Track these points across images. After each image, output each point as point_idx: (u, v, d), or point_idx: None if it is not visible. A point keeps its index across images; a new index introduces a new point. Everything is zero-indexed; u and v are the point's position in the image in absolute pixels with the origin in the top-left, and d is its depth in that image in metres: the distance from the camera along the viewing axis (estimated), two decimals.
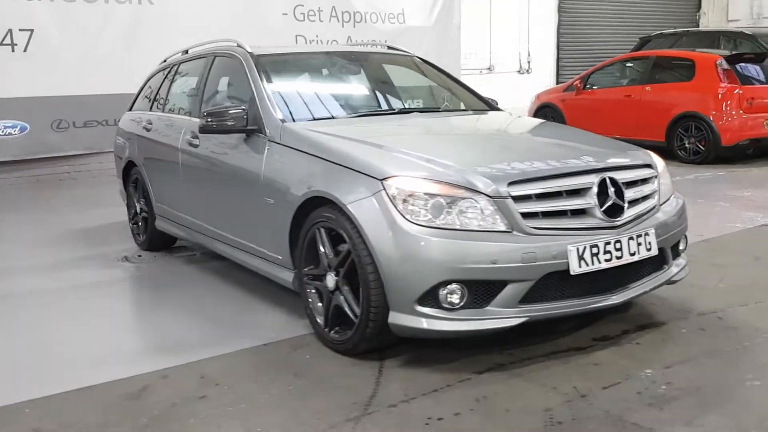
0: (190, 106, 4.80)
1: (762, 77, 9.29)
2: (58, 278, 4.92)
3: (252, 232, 3.89)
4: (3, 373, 3.28)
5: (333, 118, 3.99)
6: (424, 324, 2.91)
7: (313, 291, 3.44)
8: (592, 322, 3.52)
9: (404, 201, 2.94)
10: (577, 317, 3.40)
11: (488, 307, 2.90)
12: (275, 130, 3.74)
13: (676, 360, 3.07)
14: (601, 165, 3.23)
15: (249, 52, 4.31)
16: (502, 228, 2.91)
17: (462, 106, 4.63)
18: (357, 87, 4.54)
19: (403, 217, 2.91)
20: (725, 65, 9.07)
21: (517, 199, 2.95)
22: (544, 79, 12.21)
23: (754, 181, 7.70)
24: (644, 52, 10.37)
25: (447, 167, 3.07)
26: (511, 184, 2.96)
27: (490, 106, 4.61)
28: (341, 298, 3.22)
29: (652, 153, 3.69)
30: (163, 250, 5.50)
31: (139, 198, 5.55)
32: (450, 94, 4.74)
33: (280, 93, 4.05)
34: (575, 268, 2.93)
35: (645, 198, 3.32)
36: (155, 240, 5.45)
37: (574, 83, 10.64)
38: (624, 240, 3.08)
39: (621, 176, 3.22)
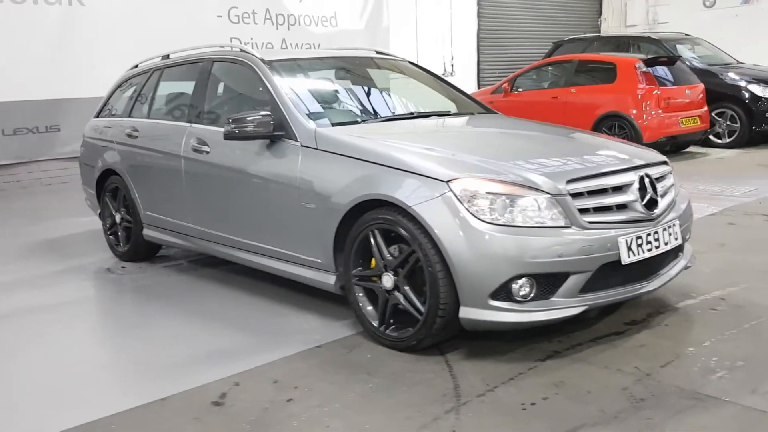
0: (189, 113, 4.73)
1: (673, 79, 10.08)
2: (51, 294, 4.74)
3: (283, 237, 3.93)
4: (68, 390, 3.20)
5: (359, 122, 4.09)
6: (498, 317, 3.08)
7: (361, 292, 3.54)
8: (613, 309, 3.80)
9: (469, 201, 3.11)
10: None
11: (553, 298, 3.12)
12: (307, 136, 3.80)
13: (709, 337, 3.39)
14: (639, 162, 3.52)
15: (260, 58, 4.33)
16: (562, 223, 3.12)
17: (458, 109, 4.80)
18: (369, 92, 4.64)
19: (474, 216, 3.07)
20: (644, 68, 9.78)
21: (574, 196, 3.18)
22: (467, 82, 12.64)
23: (684, 175, 8.35)
24: (567, 56, 10.96)
25: (506, 167, 3.26)
26: (569, 182, 3.19)
27: (486, 108, 4.84)
28: (400, 297, 3.33)
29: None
30: (145, 260, 5.40)
31: (119, 207, 5.40)
32: (447, 96, 4.92)
33: (301, 98, 4.10)
34: (625, 259, 3.20)
35: (667, 192, 3.64)
36: (140, 250, 5.33)
37: (502, 86, 11.10)
38: (660, 231, 3.38)
39: (653, 172, 3.52)
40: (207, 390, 3.07)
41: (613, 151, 3.68)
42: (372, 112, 4.39)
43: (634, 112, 9.62)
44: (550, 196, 3.13)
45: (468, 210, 3.08)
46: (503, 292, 3.06)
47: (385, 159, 3.43)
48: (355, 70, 4.80)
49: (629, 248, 3.22)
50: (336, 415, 2.79)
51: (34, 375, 3.38)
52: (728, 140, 10.85)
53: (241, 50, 4.56)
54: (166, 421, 2.81)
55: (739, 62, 11.92)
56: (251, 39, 10.12)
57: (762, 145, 10.68)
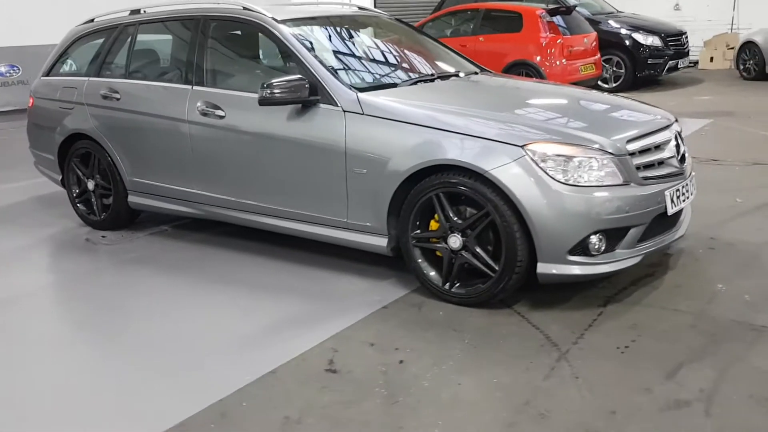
0: (187, 74, 4.51)
1: (570, 28, 10.71)
2: (46, 271, 4.48)
3: (323, 202, 3.94)
4: (181, 373, 3.12)
5: (395, 86, 4.13)
6: (574, 271, 3.35)
7: (419, 253, 3.68)
8: None
9: (544, 163, 3.31)
10: None
11: (617, 250, 3.42)
12: (349, 101, 3.81)
13: (726, 274, 3.85)
14: (671, 121, 3.86)
15: (273, 18, 4.22)
16: (623, 181, 3.41)
17: (461, 68, 4.89)
18: (384, 52, 4.64)
19: (551, 178, 3.29)
20: (547, 17, 10.30)
21: (631, 154, 3.47)
22: None
23: None
24: (473, 5, 11.25)
25: (571, 130, 3.48)
26: (628, 141, 3.47)
27: (481, 68, 5.00)
28: (469, 256, 3.51)
29: None
30: (123, 228, 5.16)
31: (93, 174, 5.10)
32: (440, 54, 5.02)
33: (329, 62, 4.08)
34: (670, 210, 3.56)
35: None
36: (121, 218, 5.09)
37: None
38: (688, 184, 3.77)
39: (678, 129, 3.89)
40: (310, 358, 3.12)
41: (644, 112, 3.98)
42: (398, 74, 4.42)
43: (539, 59, 10.16)
44: (613, 155, 3.40)
45: (545, 172, 3.29)
46: (580, 248, 3.32)
47: (450, 126, 3.54)
48: (360, 29, 4.78)
49: (672, 200, 3.58)
50: (458, 371, 2.96)
51: (152, 363, 3.24)
52: (614, 85, 11.73)
53: (244, 8, 4.41)
54: (292, 392, 2.85)
55: (618, 11, 12.80)
56: None
57: (644, 88, 11.65)
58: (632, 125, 3.66)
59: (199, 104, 4.34)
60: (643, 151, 3.57)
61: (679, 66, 12.11)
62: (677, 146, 3.74)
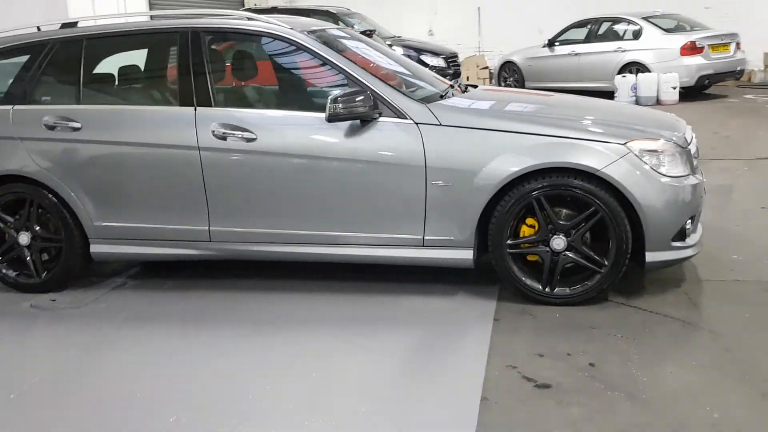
0: (184, 95, 3.87)
1: None
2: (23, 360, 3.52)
3: (397, 220, 3.69)
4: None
5: (442, 96, 3.99)
6: (676, 256, 3.60)
7: (513, 261, 3.65)
8: None
9: (644, 158, 3.52)
10: None
11: (692, 234, 3.75)
12: (420, 113, 3.64)
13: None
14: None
15: (301, 32, 3.86)
16: (690, 171, 3.76)
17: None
18: (391, 64, 4.43)
19: (655, 171, 3.50)
20: None
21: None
22: None
23: None
24: None
25: (652, 128, 3.73)
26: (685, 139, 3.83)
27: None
28: (573, 255, 3.57)
29: None
30: (64, 288, 4.23)
31: (28, 225, 4.12)
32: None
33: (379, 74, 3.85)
34: None
35: None
36: (72, 274, 4.20)
37: None
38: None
39: None
40: (501, 378, 2.93)
41: (664, 115, 4.37)
42: (426, 85, 4.26)
43: None
44: (683, 149, 3.73)
45: (649, 166, 3.50)
46: (680, 234, 3.58)
47: (542, 130, 3.56)
48: (355, 40, 4.53)
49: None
50: (650, 363, 3.01)
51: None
52: None
53: (249, 18, 3.95)
54: (531, 413, 2.67)
55: (398, 36, 13.60)
56: None
57: None
58: (676, 124, 4.03)
59: (213, 127, 3.78)
60: None
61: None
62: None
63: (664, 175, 3.51)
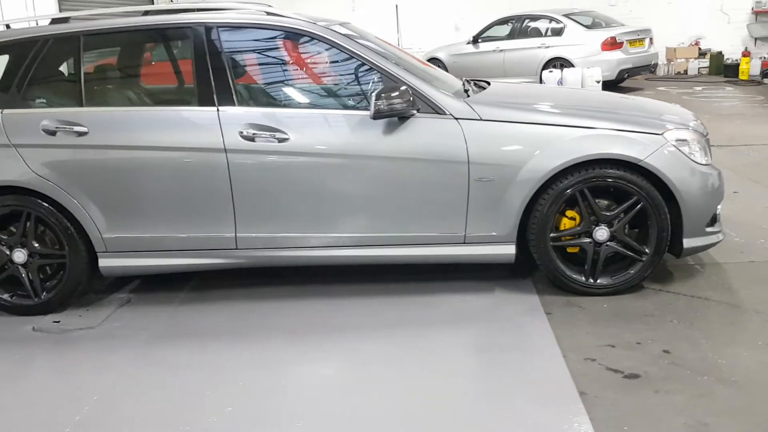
0: (204, 93, 3.62)
1: None
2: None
3: (438, 218, 3.62)
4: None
5: (468, 91, 3.94)
6: (710, 240, 3.71)
7: (555, 254, 3.65)
8: None
9: (680, 147, 3.60)
10: None
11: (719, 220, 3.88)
12: (459, 108, 3.58)
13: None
14: None
15: (328, 28, 3.72)
16: (711, 159, 3.89)
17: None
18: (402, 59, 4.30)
19: (691, 159, 3.60)
20: None
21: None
22: None
23: None
24: None
25: (680, 119, 3.83)
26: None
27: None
28: (616, 245, 3.61)
29: None
30: (65, 308, 3.89)
31: (24, 241, 3.75)
32: None
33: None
34: None
35: None
36: (77, 292, 3.86)
37: None
38: None
39: None
40: (585, 374, 2.92)
41: (671, 106, 4.47)
42: (448, 80, 4.18)
43: None
44: (704, 137, 3.85)
45: (686, 155, 3.59)
46: (712, 220, 3.70)
47: (582, 122, 3.58)
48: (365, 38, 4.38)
49: None
50: (721, 346, 3.08)
51: None
52: None
53: (268, 13, 3.76)
54: (640, 405, 2.67)
55: None
56: None
57: None
58: (689, 114, 4.14)
59: (241, 128, 3.56)
60: None
61: None
62: None
63: (698, 162, 3.61)
